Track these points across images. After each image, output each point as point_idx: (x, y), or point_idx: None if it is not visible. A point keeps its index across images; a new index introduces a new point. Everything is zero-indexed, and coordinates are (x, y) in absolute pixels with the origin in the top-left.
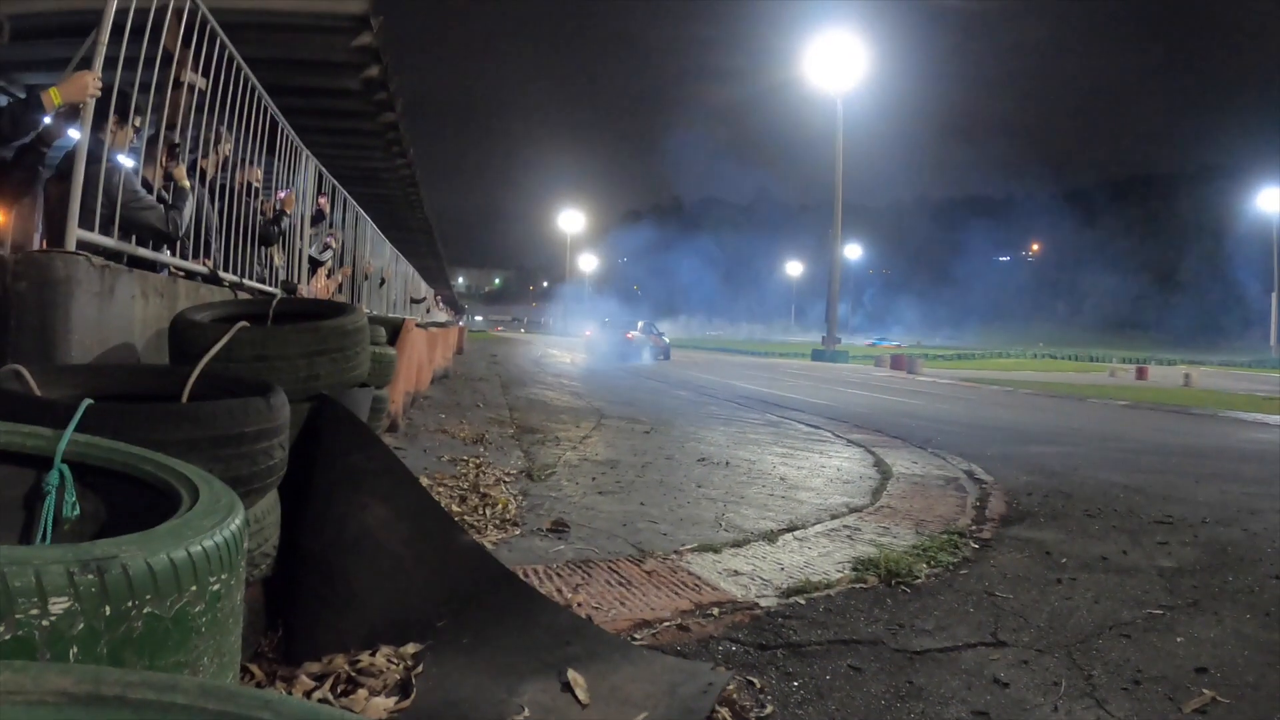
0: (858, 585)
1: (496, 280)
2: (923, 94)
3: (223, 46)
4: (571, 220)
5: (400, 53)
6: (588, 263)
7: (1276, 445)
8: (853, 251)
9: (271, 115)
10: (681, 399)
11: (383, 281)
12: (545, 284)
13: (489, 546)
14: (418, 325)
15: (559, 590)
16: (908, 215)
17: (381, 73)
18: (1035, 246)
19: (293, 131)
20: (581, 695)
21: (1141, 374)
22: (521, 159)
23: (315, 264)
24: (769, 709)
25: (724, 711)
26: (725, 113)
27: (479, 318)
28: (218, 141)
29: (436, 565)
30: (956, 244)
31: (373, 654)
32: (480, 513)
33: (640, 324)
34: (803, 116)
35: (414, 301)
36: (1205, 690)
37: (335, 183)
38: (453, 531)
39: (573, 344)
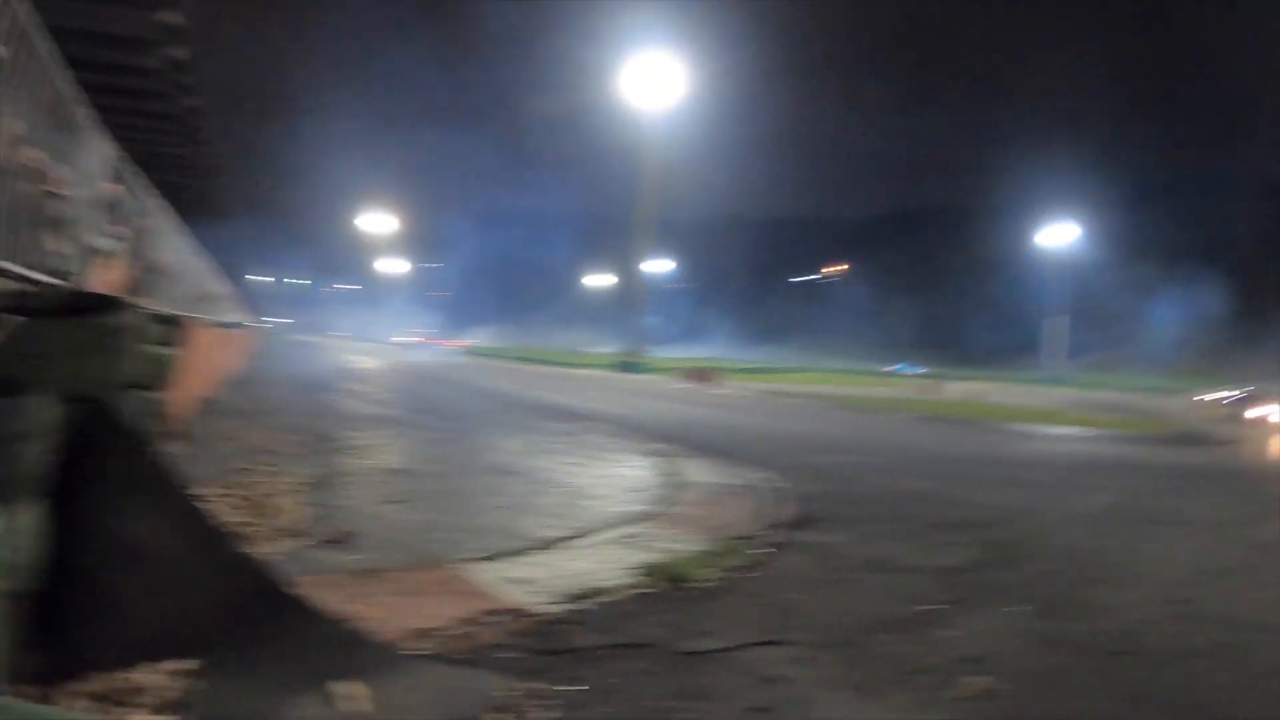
0: (644, 590)
1: (299, 281)
2: (739, 114)
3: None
4: (379, 222)
5: (209, 37)
6: (397, 266)
7: (1053, 454)
8: (663, 265)
9: (65, 90)
10: (482, 408)
11: (175, 277)
12: (355, 286)
13: (274, 557)
14: (210, 325)
15: (340, 601)
16: (713, 231)
17: (187, 54)
18: (842, 267)
19: (86, 109)
20: (357, 707)
21: (933, 389)
22: (332, 158)
23: (101, 254)
24: (549, 714)
25: (496, 716)
26: (542, 123)
27: (280, 319)
28: None
29: (213, 578)
30: (766, 261)
31: (145, 671)
32: (265, 523)
33: (433, 331)
34: (620, 131)
35: (207, 299)
36: (976, 678)
37: (130, 168)
38: (230, 543)
39: (376, 349)
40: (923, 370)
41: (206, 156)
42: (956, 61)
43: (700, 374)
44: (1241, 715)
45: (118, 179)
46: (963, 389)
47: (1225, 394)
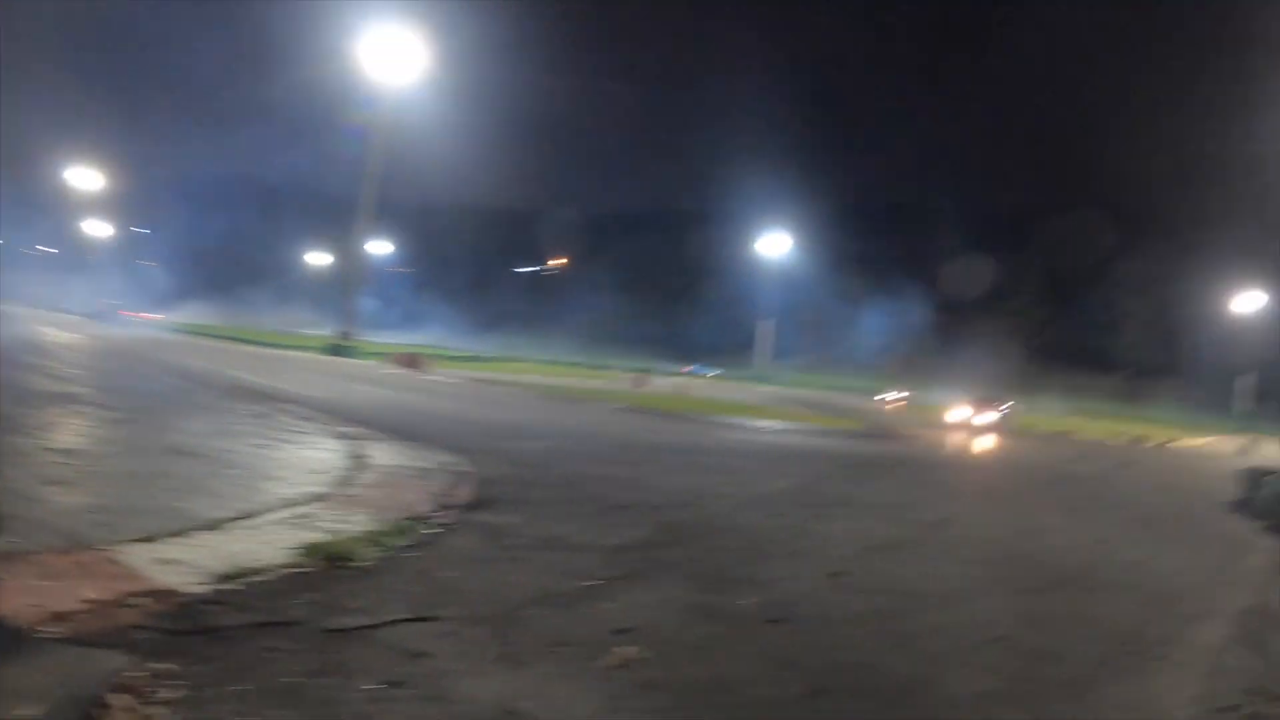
0: (298, 570)
1: None
2: (476, 101)
3: None
4: (85, 178)
5: None
6: (102, 230)
7: (745, 444)
8: (379, 247)
9: None
10: (172, 387)
11: None
12: (55, 251)
13: None
14: None
15: None
16: (438, 217)
17: None
18: (561, 261)
19: None
20: None
21: (642, 382)
22: (36, 103)
23: None
24: (173, 693)
25: (121, 697)
26: (273, 91)
27: None
28: None
29: None
30: (490, 250)
31: None
32: None
33: (134, 303)
34: (354, 106)
35: None
36: (625, 648)
37: None
38: None
39: (71, 320)
40: (716, 371)
41: None
42: (692, 71)
43: (410, 359)
44: (883, 673)
45: None
46: (674, 383)
47: (895, 394)
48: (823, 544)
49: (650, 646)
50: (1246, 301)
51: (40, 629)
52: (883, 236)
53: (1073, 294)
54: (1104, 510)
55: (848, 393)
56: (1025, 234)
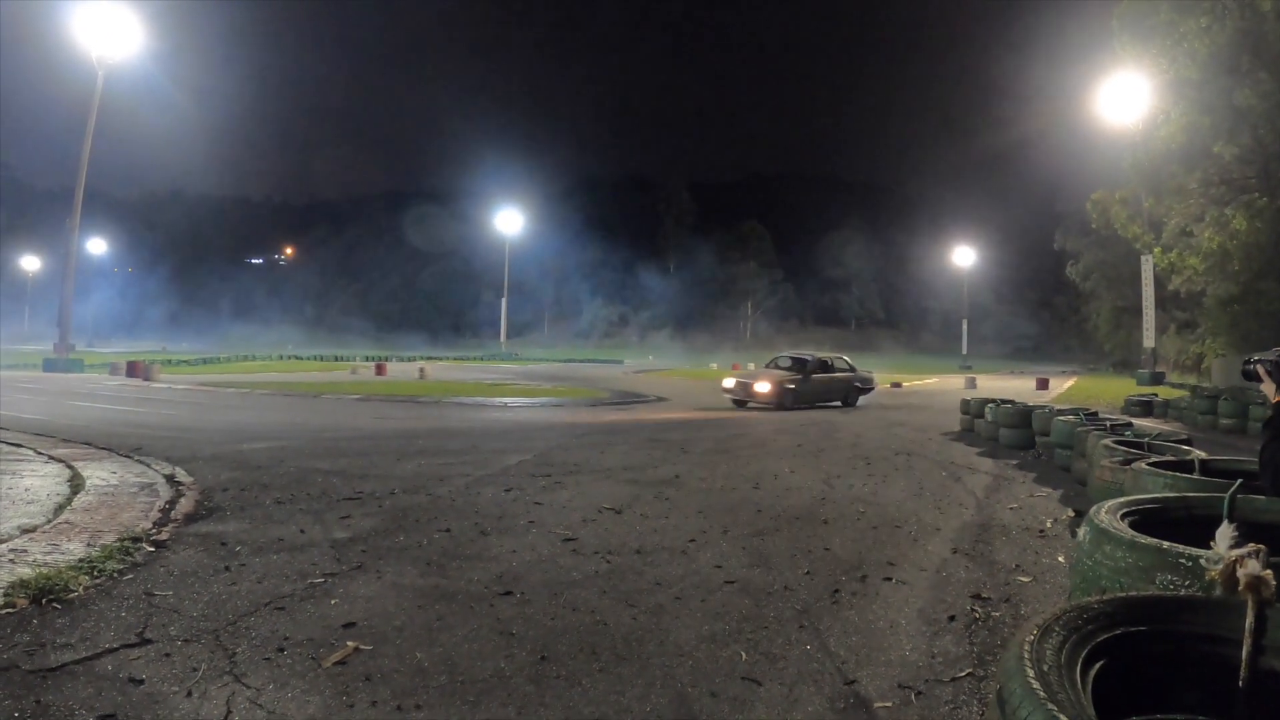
0: (3, 611)
1: None
2: (193, 83)
3: None
4: None
5: None
6: None
7: (483, 422)
8: (97, 246)
9: None
10: None
11: None
12: None
13: None
14: None
15: None
16: (163, 209)
17: None
18: (288, 251)
19: None
20: None
21: (381, 370)
22: None
23: None
24: None
25: None
26: None
27: None
28: None
29: None
30: (210, 243)
31: None
32: None
33: None
34: (56, 82)
35: None
36: (350, 642)
37: None
38: None
39: None
40: (377, 360)
41: None
42: (423, 47)
43: (136, 368)
44: (611, 630)
45: None
46: (413, 369)
47: (642, 362)
48: (546, 516)
49: (375, 637)
50: (963, 255)
51: None
52: (617, 209)
53: (805, 256)
54: (833, 451)
55: (593, 364)
56: (758, 201)
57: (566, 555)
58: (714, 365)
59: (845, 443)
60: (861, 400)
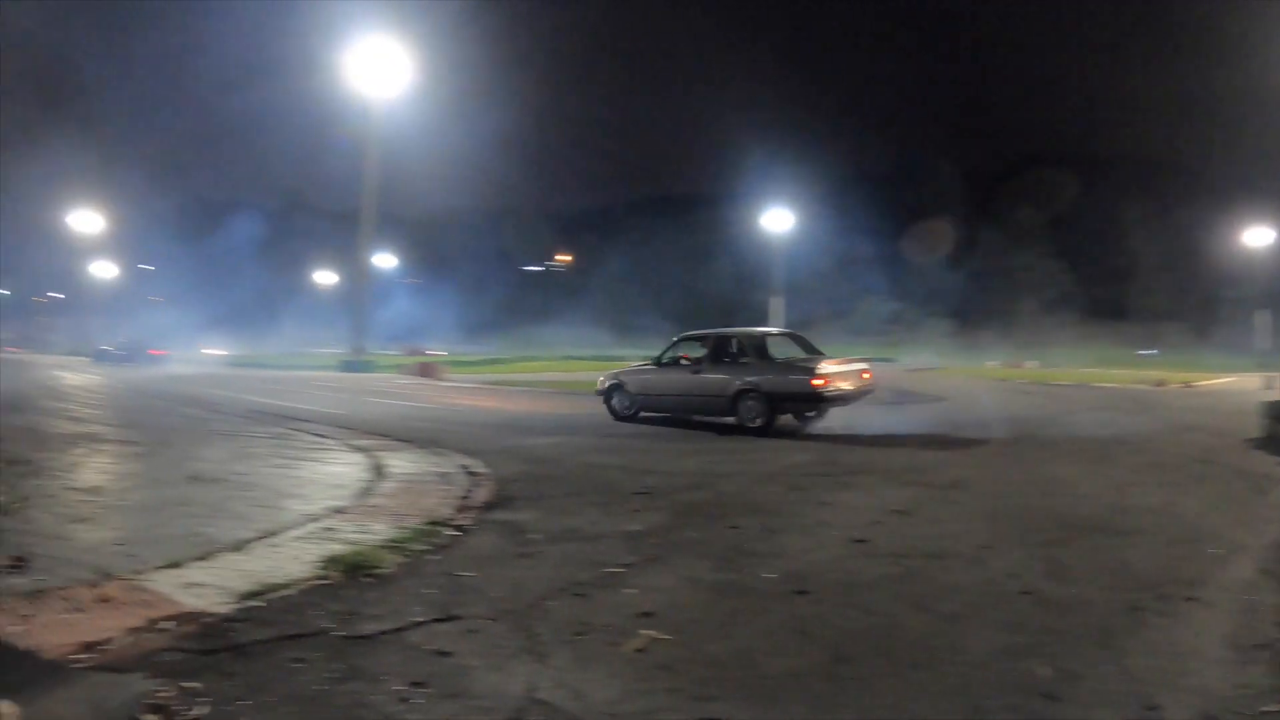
0: (319, 582)
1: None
2: (463, 108)
3: None
4: (85, 221)
5: None
6: (107, 270)
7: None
8: (385, 260)
9: None
10: (189, 417)
11: None
12: (60, 296)
13: None
14: None
15: (4, 625)
16: (443, 225)
17: None
18: (563, 257)
19: None
20: None
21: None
22: (24, 152)
23: None
24: (201, 709)
25: (151, 717)
26: (257, 115)
27: None
28: None
29: None
30: (489, 254)
31: None
32: None
33: (141, 340)
34: (342, 122)
35: None
36: (647, 631)
37: None
38: None
39: (84, 363)
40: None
41: None
42: (682, 59)
43: (424, 369)
44: (908, 634)
45: None
46: None
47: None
48: (837, 515)
49: (671, 627)
50: (1257, 236)
51: (72, 659)
52: (886, 203)
53: (1079, 243)
54: (1122, 457)
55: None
56: (1032, 187)
57: (857, 556)
58: (991, 363)
59: (1133, 448)
60: (1148, 402)
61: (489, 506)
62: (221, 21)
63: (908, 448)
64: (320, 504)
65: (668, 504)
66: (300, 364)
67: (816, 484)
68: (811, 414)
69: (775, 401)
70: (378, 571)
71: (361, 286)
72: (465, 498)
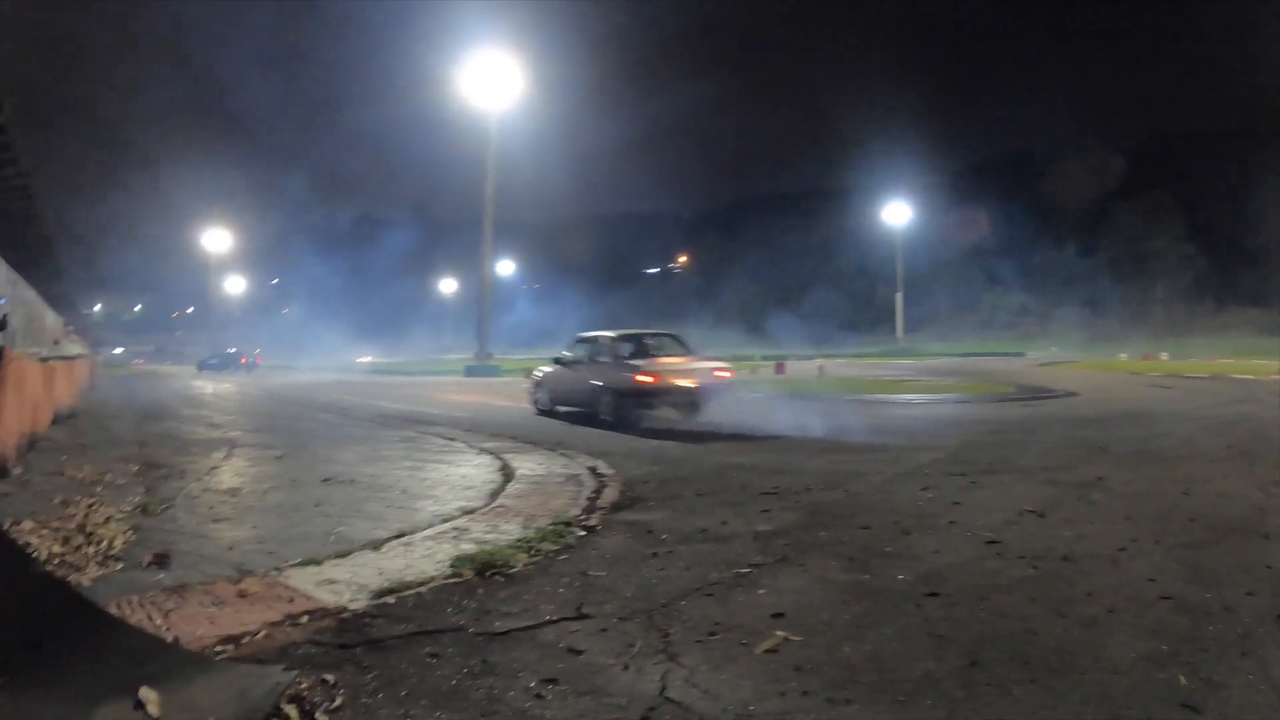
0: (452, 580)
1: (137, 307)
2: (577, 114)
3: None
4: (216, 239)
5: (8, 51)
6: (235, 285)
7: (890, 419)
8: (506, 267)
9: None
10: (321, 422)
11: (2, 314)
12: (190, 310)
13: (86, 584)
14: (41, 359)
15: (149, 617)
16: (561, 230)
17: None
18: (682, 258)
19: None
20: (152, 710)
21: (780, 369)
22: (158, 173)
23: None
24: (338, 701)
25: (291, 708)
26: (378, 129)
27: (119, 349)
28: None
29: (9, 600)
30: (608, 257)
31: None
32: (83, 551)
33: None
34: (459, 134)
35: (33, 331)
36: (779, 632)
37: None
38: (28, 566)
39: (217, 374)
40: (775, 359)
41: (15, 177)
42: (793, 53)
43: None
44: (1044, 640)
45: None
46: (812, 366)
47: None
48: (968, 515)
49: (805, 629)
50: None
51: (214, 651)
52: (1007, 191)
53: (1216, 225)
54: (1267, 454)
55: (992, 358)
56: (1164, 167)
57: (991, 558)
58: (1123, 356)
59: (1277, 444)
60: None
61: (617, 507)
62: (339, 43)
63: (1040, 446)
64: (451, 505)
65: (797, 504)
66: (428, 369)
67: (948, 483)
68: (683, 407)
69: (620, 397)
70: (509, 570)
71: (485, 293)
72: (593, 498)
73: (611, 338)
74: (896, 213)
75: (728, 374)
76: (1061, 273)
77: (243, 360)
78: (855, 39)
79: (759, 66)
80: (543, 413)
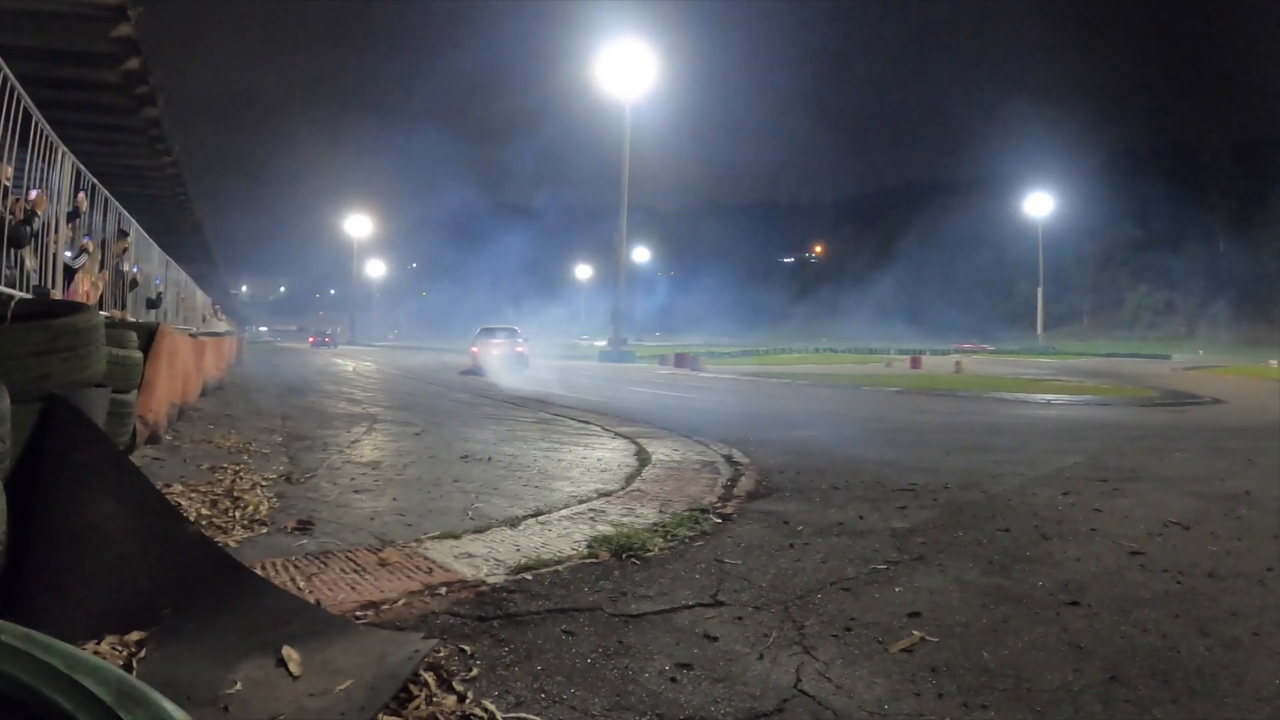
0: (588, 560)
1: (281, 288)
2: (711, 102)
3: None
4: (358, 225)
5: (166, 47)
6: (375, 269)
7: (1028, 420)
8: (641, 254)
9: (25, 108)
10: (459, 401)
11: (145, 286)
12: (332, 291)
13: (232, 545)
14: (191, 335)
15: (292, 580)
16: (696, 219)
17: (141, 65)
18: (818, 248)
19: (48, 126)
20: (294, 668)
21: (916, 363)
22: (304, 161)
23: (71, 266)
24: (475, 671)
25: (429, 675)
26: (516, 119)
27: (263, 328)
28: None
29: (161, 557)
30: (743, 246)
31: (98, 643)
32: (230, 515)
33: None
34: (594, 123)
35: (184, 307)
36: (915, 631)
37: (95, 181)
38: (179, 524)
39: (356, 353)
40: (912, 354)
41: (170, 166)
42: (934, 38)
43: (682, 359)
44: (1186, 659)
45: (82, 193)
46: (948, 362)
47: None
48: (1110, 524)
49: (939, 630)
50: None
51: (355, 615)
52: (1156, 183)
53: None
54: None
55: (1136, 359)
56: None
57: (1133, 569)
58: (1273, 363)
59: None
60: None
61: (753, 496)
62: (480, 36)
63: (1184, 455)
64: (586, 486)
65: (934, 502)
66: (562, 354)
67: (1089, 489)
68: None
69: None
70: (645, 554)
71: (620, 280)
72: (729, 486)
73: (492, 330)
74: (1037, 204)
75: (520, 349)
76: (1211, 271)
77: (327, 340)
78: (1004, 25)
79: (904, 55)
80: None
